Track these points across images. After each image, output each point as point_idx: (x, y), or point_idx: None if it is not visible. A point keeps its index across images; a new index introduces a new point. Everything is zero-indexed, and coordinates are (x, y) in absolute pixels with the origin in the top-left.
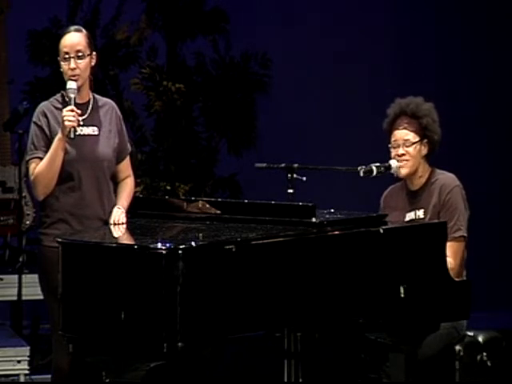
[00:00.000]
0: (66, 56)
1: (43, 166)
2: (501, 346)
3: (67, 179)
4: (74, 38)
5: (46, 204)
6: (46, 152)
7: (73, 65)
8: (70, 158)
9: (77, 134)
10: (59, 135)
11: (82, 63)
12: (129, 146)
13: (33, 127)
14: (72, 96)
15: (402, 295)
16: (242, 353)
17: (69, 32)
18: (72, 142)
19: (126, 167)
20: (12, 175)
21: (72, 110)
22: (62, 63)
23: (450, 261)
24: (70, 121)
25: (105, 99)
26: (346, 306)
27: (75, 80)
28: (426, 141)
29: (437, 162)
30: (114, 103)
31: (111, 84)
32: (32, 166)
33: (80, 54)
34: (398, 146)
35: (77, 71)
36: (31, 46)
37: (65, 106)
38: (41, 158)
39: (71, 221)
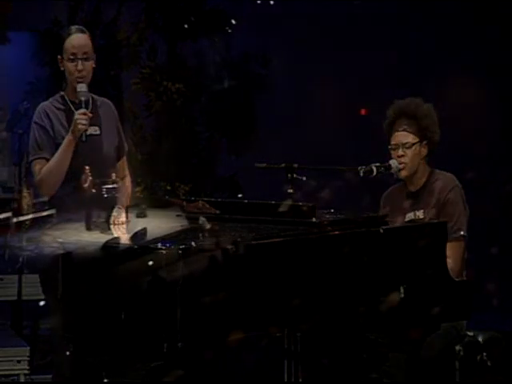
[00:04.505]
0: (72, 57)
1: (51, 167)
2: (501, 345)
3: (71, 180)
4: (82, 40)
5: (50, 205)
6: (51, 153)
7: (80, 66)
8: (74, 158)
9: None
10: (69, 137)
11: (89, 65)
12: (126, 144)
13: (35, 127)
14: (83, 99)
15: (402, 295)
16: (242, 353)
17: (75, 32)
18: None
19: (123, 166)
20: (12, 175)
21: (84, 114)
22: (66, 63)
23: (450, 261)
24: (83, 124)
25: (102, 98)
26: (346, 306)
27: (82, 81)
28: (425, 142)
29: (437, 161)
30: (110, 102)
31: (111, 84)
32: (37, 166)
33: (87, 56)
34: (398, 148)
35: (84, 73)
36: (31, 46)
37: (66, 108)
38: (46, 159)
39: (77, 221)
